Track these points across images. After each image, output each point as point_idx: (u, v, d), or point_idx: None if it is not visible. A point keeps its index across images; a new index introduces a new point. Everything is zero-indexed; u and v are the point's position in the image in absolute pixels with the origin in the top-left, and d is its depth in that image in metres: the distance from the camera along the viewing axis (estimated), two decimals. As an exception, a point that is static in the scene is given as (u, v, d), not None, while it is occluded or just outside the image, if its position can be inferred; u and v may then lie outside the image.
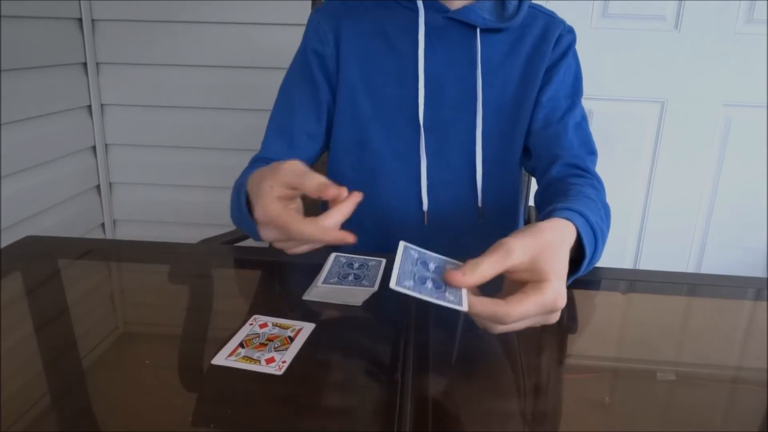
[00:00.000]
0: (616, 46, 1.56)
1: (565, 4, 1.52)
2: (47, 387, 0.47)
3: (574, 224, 0.56)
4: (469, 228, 0.89)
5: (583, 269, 0.59)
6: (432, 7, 0.84)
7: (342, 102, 0.88)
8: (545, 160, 0.83)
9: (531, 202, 1.06)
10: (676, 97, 1.59)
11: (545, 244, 0.49)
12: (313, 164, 0.95)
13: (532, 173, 0.89)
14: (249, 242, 0.89)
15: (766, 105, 1.56)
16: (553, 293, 0.47)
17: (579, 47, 0.88)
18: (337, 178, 0.92)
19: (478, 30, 0.83)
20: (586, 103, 0.89)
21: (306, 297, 0.62)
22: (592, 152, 0.85)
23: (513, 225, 0.94)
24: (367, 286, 0.64)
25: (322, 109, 0.89)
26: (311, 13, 0.90)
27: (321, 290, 0.64)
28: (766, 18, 1.49)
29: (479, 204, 0.87)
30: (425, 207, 0.87)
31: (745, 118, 1.59)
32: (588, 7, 1.54)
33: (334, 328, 0.57)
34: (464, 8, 0.83)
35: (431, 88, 0.85)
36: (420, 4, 0.84)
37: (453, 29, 0.84)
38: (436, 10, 0.84)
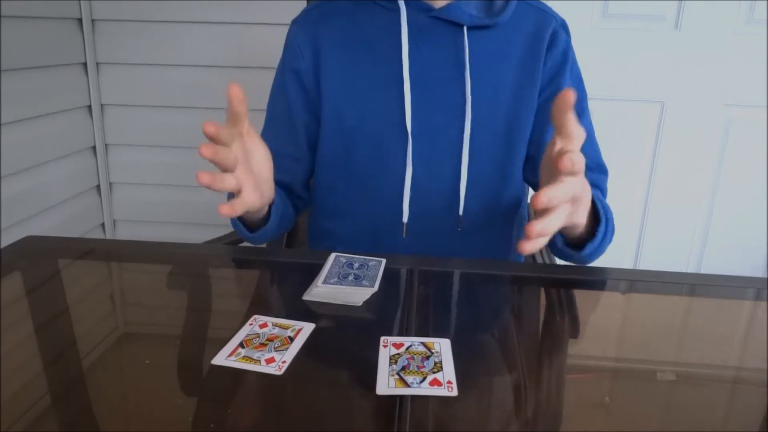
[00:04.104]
0: (616, 46, 1.56)
1: (565, 4, 1.52)
2: (47, 387, 0.47)
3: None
4: (451, 235, 0.84)
5: (600, 234, 0.68)
6: (414, 6, 0.79)
7: (327, 113, 0.83)
8: None
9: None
10: (676, 98, 1.59)
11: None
12: (308, 182, 0.91)
13: (536, 188, 0.86)
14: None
15: (766, 105, 1.56)
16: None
17: (579, 47, 0.86)
18: (323, 188, 0.89)
19: (465, 28, 0.78)
20: (585, 102, 0.89)
21: (306, 297, 0.62)
22: (604, 172, 0.85)
23: (504, 232, 0.89)
24: (367, 286, 0.64)
25: (299, 130, 0.86)
26: (290, 25, 0.86)
27: (321, 290, 0.64)
28: (766, 18, 1.49)
29: (460, 212, 0.82)
30: (405, 219, 0.83)
31: (745, 118, 1.59)
32: (588, 7, 1.54)
33: (334, 328, 0.57)
34: (449, 6, 0.78)
35: (418, 93, 0.79)
36: (401, 4, 0.79)
37: (438, 29, 0.79)
38: (419, 9, 0.79)
